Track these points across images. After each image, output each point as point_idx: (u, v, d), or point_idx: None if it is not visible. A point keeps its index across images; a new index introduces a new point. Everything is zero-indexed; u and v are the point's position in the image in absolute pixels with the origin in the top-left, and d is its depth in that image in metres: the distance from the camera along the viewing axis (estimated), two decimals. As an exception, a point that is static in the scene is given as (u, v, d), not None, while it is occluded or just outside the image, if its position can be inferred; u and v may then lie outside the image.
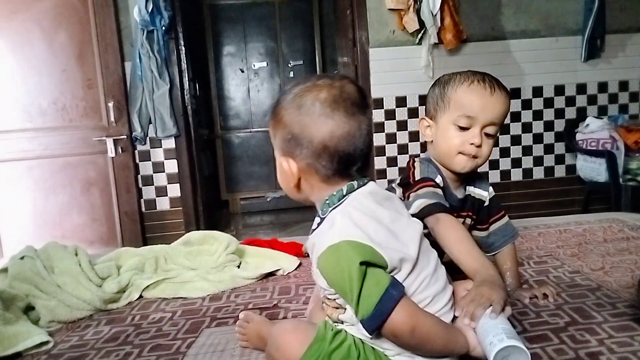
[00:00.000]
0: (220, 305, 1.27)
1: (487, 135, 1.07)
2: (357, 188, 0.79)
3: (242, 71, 4.92)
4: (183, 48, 3.05)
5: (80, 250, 1.41)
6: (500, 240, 1.19)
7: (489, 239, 1.20)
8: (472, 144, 1.06)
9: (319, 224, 0.81)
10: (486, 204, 1.19)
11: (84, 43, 2.79)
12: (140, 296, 1.36)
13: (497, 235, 1.19)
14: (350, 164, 0.79)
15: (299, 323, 0.87)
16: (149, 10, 2.69)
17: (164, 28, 2.79)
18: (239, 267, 1.49)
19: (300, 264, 1.50)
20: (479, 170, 1.16)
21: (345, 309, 0.78)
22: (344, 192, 0.79)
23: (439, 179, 1.10)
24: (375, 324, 0.70)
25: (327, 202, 0.79)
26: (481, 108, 1.05)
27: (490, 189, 1.20)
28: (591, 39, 2.99)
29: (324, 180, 0.79)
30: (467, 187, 1.17)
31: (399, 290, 0.71)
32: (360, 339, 0.78)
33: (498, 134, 1.12)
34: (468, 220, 1.18)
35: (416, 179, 1.10)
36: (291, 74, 4.96)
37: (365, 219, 0.75)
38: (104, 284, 1.34)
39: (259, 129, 4.75)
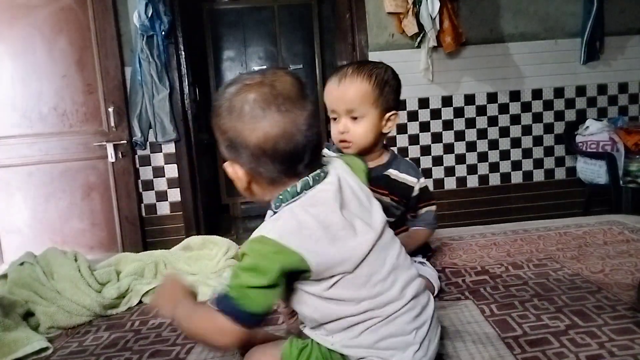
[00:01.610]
0: (220, 310, 1.26)
1: (354, 118, 1.17)
2: (314, 184, 0.75)
3: (242, 75, 4.92)
4: (183, 53, 3.06)
5: (80, 256, 1.41)
6: (419, 223, 1.29)
7: (414, 221, 1.30)
8: (339, 132, 1.19)
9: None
10: (415, 193, 1.26)
11: (84, 49, 2.80)
12: (140, 302, 1.36)
13: (419, 219, 1.29)
14: (295, 163, 0.74)
15: (265, 348, 0.83)
16: (149, 16, 2.70)
17: (163, 33, 2.79)
18: (238, 271, 1.49)
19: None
20: (406, 157, 1.22)
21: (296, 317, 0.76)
22: (298, 189, 0.75)
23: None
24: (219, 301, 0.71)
25: (281, 197, 0.76)
26: (335, 100, 1.17)
27: (422, 179, 1.27)
28: (590, 41, 3.00)
29: (271, 182, 0.76)
30: (389, 169, 1.26)
31: (255, 314, 0.70)
32: (327, 347, 0.76)
33: (390, 116, 1.19)
34: (387, 199, 1.23)
35: None
36: (291, 78, 4.96)
37: (310, 222, 0.71)
38: (104, 290, 1.34)
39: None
